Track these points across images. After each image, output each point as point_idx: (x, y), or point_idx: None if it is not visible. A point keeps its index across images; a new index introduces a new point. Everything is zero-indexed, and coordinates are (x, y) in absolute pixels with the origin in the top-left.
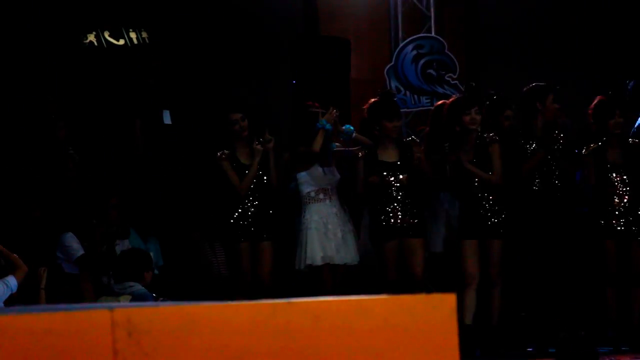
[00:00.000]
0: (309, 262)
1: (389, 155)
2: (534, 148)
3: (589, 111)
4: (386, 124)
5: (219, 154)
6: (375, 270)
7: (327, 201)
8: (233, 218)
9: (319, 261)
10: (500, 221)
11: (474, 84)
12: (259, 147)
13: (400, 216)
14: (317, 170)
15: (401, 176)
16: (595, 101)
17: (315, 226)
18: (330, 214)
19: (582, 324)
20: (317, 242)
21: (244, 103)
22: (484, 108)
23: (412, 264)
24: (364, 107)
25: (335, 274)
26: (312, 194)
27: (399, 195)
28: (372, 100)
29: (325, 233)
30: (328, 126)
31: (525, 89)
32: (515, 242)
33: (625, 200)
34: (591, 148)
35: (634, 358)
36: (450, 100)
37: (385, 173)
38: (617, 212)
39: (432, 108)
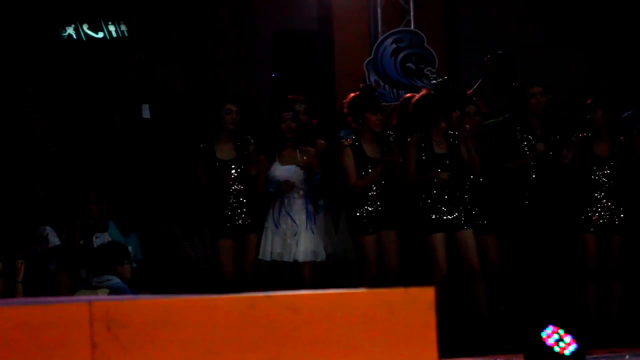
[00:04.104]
0: (259, 257)
1: (372, 150)
2: (531, 144)
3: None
4: (370, 117)
5: (201, 145)
6: (355, 265)
7: (285, 200)
8: (219, 213)
9: (268, 257)
10: (470, 212)
11: (446, 79)
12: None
13: (378, 209)
14: (278, 168)
15: None
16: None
17: (270, 223)
18: (286, 212)
19: (562, 320)
20: (269, 239)
21: (238, 97)
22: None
23: (387, 257)
24: (344, 101)
25: (296, 270)
26: (272, 191)
27: (375, 189)
28: (353, 94)
29: (276, 231)
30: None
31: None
32: (502, 237)
33: (606, 194)
34: (581, 137)
35: (610, 352)
36: (420, 95)
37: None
38: (598, 207)
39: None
